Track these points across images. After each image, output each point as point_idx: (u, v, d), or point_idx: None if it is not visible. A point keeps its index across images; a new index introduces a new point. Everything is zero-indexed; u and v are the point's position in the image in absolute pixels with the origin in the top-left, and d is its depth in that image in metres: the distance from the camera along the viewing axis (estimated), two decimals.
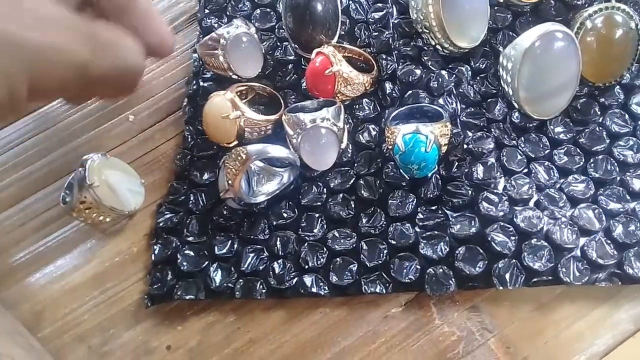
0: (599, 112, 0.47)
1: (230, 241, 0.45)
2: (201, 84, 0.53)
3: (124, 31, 0.32)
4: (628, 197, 0.43)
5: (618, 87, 0.47)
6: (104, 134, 0.53)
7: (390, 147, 0.45)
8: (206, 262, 0.44)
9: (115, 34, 0.32)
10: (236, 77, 0.51)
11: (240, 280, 0.43)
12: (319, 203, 0.46)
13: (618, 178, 0.44)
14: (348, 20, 0.54)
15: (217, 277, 0.43)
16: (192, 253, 0.45)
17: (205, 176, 0.49)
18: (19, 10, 0.26)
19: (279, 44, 0.54)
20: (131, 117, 0.53)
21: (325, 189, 0.46)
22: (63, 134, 0.54)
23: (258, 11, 0.55)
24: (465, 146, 0.46)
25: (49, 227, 0.49)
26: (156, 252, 0.46)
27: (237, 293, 0.43)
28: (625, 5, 0.45)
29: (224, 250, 0.45)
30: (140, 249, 0.47)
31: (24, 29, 0.26)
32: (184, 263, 0.44)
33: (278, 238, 0.45)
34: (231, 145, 0.49)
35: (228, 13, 0.56)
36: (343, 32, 0.53)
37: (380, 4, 0.53)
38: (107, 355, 0.43)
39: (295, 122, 0.45)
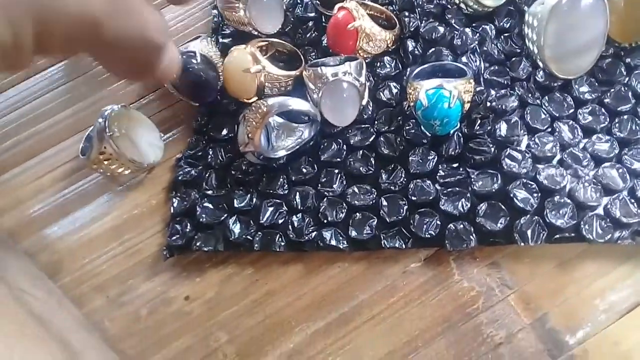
0: (624, 73, 0.46)
1: (249, 195, 0.45)
2: (220, 40, 0.52)
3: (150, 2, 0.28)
4: None
5: None
6: (125, 87, 0.53)
7: (412, 103, 0.45)
8: (225, 215, 0.44)
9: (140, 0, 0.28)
10: (256, 32, 0.50)
11: (259, 233, 0.43)
12: (338, 159, 0.46)
13: None
14: None
15: (236, 229, 0.43)
16: (210, 206, 0.45)
17: (224, 132, 0.48)
18: None
19: (299, 0, 0.53)
20: None
21: (345, 146, 0.46)
22: (83, 89, 0.53)
23: None
24: (488, 104, 0.45)
25: (68, 179, 0.50)
26: (175, 204, 0.45)
27: (256, 245, 0.43)
28: None
29: (243, 204, 0.45)
30: (158, 202, 0.47)
31: None
32: (203, 215, 0.44)
33: (297, 193, 0.44)
34: (250, 101, 0.48)
35: None
36: None
37: None
38: (125, 305, 0.43)
39: (317, 75, 0.45)
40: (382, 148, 0.45)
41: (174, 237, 0.44)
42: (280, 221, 0.44)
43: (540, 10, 0.45)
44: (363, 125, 0.47)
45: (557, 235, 0.40)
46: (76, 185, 0.49)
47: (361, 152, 0.46)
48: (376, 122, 0.47)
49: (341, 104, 0.45)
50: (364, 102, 0.47)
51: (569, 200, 0.41)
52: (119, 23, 0.25)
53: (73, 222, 0.48)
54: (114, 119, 0.45)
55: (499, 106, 0.45)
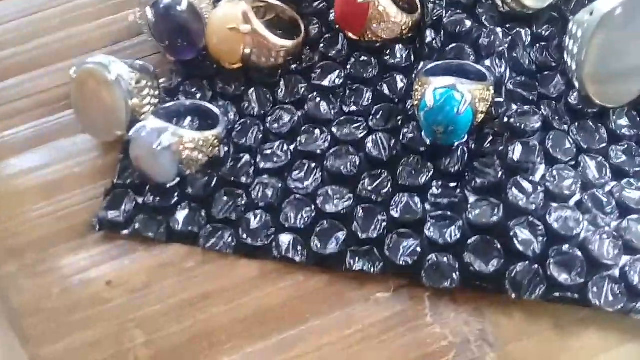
0: None
1: (207, 178, 0.38)
2: None
3: None
4: None
5: None
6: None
7: (416, 102, 0.37)
8: (174, 199, 0.37)
9: None
10: None
11: (208, 227, 0.37)
12: (318, 152, 0.39)
13: None
14: None
15: (181, 217, 0.37)
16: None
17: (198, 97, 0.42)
18: None
19: None
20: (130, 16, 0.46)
21: (329, 137, 0.39)
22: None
23: None
24: (505, 119, 0.38)
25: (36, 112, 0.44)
26: (120, 172, 0.39)
27: (201, 241, 0.36)
28: None
29: (196, 189, 0.38)
30: (105, 164, 0.41)
31: None
32: (149, 194, 0.38)
33: (260, 185, 0.38)
34: (235, 67, 0.41)
35: None
36: None
37: None
38: (38, 276, 0.37)
39: None
40: (372, 148, 0.38)
41: (112, 212, 0.38)
42: (233, 217, 0.37)
43: (588, 19, 0.37)
44: (356, 117, 0.40)
45: (558, 294, 0.33)
46: (33, 123, 0.43)
47: (346, 148, 0.38)
48: (371, 116, 0.40)
49: None
50: None
51: (579, 253, 0.33)
52: None
53: (8, 167, 0.41)
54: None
55: (518, 124, 0.37)
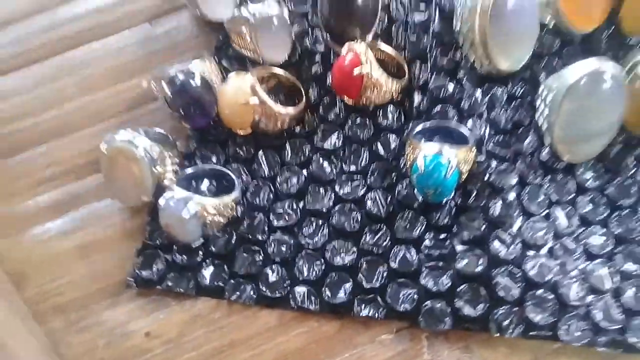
0: (632, 165, 0.44)
1: (227, 237, 0.43)
2: (223, 62, 0.50)
3: None
4: None
5: None
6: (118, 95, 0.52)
7: (409, 163, 0.43)
8: (199, 257, 0.43)
9: None
10: (261, 59, 0.48)
11: (231, 281, 0.42)
12: (324, 210, 0.44)
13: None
14: (387, 18, 0.50)
15: (208, 274, 0.42)
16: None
17: (214, 160, 0.47)
18: None
19: (309, 30, 0.51)
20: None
21: (333, 195, 0.44)
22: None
23: None
24: (486, 177, 0.43)
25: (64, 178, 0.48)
26: (149, 233, 0.44)
27: (226, 294, 0.41)
28: None
29: (219, 247, 0.43)
30: (133, 227, 0.46)
31: None
32: (177, 254, 0.43)
33: (276, 242, 0.43)
34: (245, 133, 0.47)
35: None
36: (379, 31, 0.49)
37: (422, 4, 0.50)
38: (83, 331, 0.42)
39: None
40: (371, 206, 0.44)
41: (145, 271, 0.43)
42: (253, 270, 0.42)
43: (557, 86, 0.43)
44: (354, 176, 0.45)
45: (533, 332, 0.39)
46: (63, 189, 0.48)
47: (348, 205, 0.44)
48: (369, 175, 0.45)
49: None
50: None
51: (552, 296, 0.39)
52: None
53: (46, 232, 0.46)
54: None
55: (497, 182, 0.43)
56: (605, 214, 0.42)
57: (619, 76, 0.41)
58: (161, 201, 0.41)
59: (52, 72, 0.53)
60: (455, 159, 0.41)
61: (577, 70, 0.42)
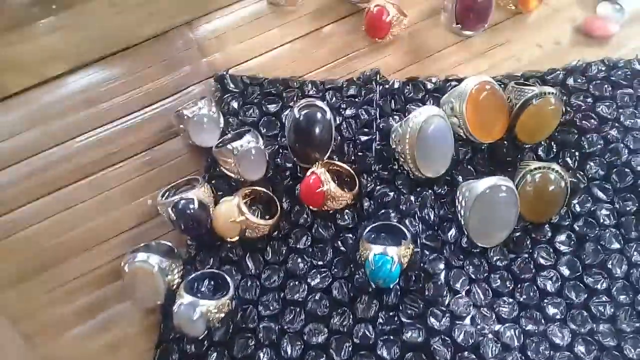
0: (529, 246, 0.58)
1: (225, 328, 0.55)
2: (212, 181, 0.63)
3: None
4: (543, 321, 0.55)
5: (547, 225, 0.59)
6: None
7: (363, 259, 0.56)
8: (206, 346, 0.55)
9: None
10: (242, 179, 0.61)
11: None
12: (300, 299, 0.57)
13: (537, 303, 0.56)
14: (339, 137, 0.64)
15: (213, 359, 0.54)
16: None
17: (210, 263, 0.59)
18: None
19: (280, 150, 0.64)
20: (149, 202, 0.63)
21: (306, 286, 0.57)
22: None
23: (265, 119, 0.66)
24: (421, 265, 0.57)
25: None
26: (163, 330, 0.56)
27: None
28: (558, 167, 0.57)
29: (220, 337, 0.55)
30: (150, 324, 0.57)
31: None
32: (187, 345, 0.55)
33: (264, 328, 0.55)
34: (234, 240, 0.59)
35: (240, 118, 0.66)
36: (334, 148, 0.63)
37: (366, 129, 0.64)
38: None
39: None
40: (336, 294, 0.57)
41: None
42: (249, 352, 0.54)
43: (469, 195, 0.57)
44: (322, 269, 0.58)
45: None
46: (91, 296, 0.59)
47: (319, 294, 0.57)
48: (333, 267, 0.58)
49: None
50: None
51: (474, 356, 0.53)
52: None
53: (75, 335, 0.57)
54: None
55: (429, 268, 0.57)
56: (511, 287, 0.56)
57: (511, 187, 0.56)
58: (175, 307, 0.54)
59: (75, 196, 0.64)
60: (397, 256, 0.54)
61: (483, 184, 0.56)
